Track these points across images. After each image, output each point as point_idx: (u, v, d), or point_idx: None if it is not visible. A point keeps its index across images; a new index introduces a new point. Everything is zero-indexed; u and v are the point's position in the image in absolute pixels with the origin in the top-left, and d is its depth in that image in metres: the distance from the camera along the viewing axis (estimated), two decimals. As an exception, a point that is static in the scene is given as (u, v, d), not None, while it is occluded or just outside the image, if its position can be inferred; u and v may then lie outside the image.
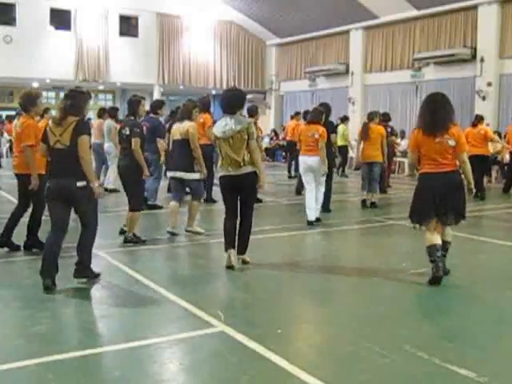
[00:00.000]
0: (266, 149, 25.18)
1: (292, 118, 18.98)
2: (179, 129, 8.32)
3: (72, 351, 4.15)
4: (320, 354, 4.36)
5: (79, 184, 5.67)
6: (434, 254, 5.91)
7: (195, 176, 8.22)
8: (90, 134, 5.82)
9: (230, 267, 6.52)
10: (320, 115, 9.69)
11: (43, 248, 7.13)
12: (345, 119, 19.12)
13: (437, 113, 6.00)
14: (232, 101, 6.64)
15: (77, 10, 24.35)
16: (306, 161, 9.57)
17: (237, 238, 6.70)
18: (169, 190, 13.03)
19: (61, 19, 24.38)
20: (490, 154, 15.58)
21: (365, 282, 6.24)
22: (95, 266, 6.41)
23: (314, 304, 5.61)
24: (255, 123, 11.72)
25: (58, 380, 3.75)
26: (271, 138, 25.68)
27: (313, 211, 9.36)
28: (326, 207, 10.39)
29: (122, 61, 25.25)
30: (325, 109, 10.19)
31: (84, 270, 5.95)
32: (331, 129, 10.58)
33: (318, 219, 9.48)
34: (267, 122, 28.28)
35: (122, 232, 8.03)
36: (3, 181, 13.98)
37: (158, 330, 4.65)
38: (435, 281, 5.90)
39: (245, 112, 12.11)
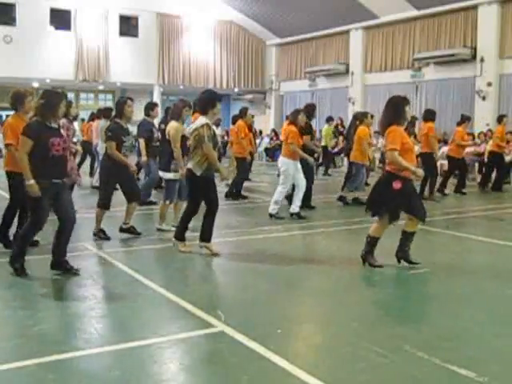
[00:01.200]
0: (266, 149, 25.20)
1: (287, 118, 19.02)
2: (167, 129, 8.58)
3: (72, 351, 4.15)
4: (320, 354, 4.36)
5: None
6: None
7: (168, 176, 8.40)
8: (28, 135, 5.85)
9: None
10: (296, 115, 10.03)
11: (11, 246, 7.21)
12: (329, 120, 19.31)
13: (381, 115, 6.54)
14: (200, 102, 7.10)
15: (77, 10, 24.39)
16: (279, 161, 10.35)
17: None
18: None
19: (61, 19, 24.40)
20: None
21: (364, 281, 6.24)
22: (95, 266, 6.43)
23: (314, 304, 5.61)
24: (239, 123, 12.11)
25: (58, 380, 3.75)
26: (271, 138, 25.67)
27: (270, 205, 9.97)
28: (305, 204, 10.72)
29: (122, 61, 25.27)
30: (306, 109, 10.47)
31: (10, 260, 6.11)
32: (308, 130, 10.79)
33: (273, 216, 9.77)
34: (267, 122, 28.30)
35: (122, 230, 8.19)
36: (3, 180, 13.97)
37: (158, 329, 4.65)
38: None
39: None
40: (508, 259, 7.46)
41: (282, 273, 6.53)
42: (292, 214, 9.84)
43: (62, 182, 6.05)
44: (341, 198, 11.82)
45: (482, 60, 19.05)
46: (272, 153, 24.87)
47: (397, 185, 6.19)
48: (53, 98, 5.99)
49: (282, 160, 10.02)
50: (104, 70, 25.09)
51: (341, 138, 21.08)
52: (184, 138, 8.16)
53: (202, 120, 6.95)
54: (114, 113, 14.01)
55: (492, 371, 3.87)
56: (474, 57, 19.38)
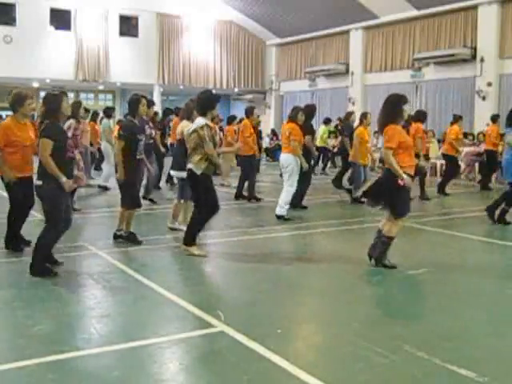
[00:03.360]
0: (266, 149, 25.20)
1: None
2: (178, 129, 8.59)
3: (72, 351, 4.15)
4: (320, 353, 4.36)
5: (37, 183, 6.10)
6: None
7: (184, 174, 8.30)
8: (51, 137, 5.92)
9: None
10: (296, 113, 9.97)
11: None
12: (328, 121, 19.45)
13: (379, 114, 6.54)
14: (200, 103, 7.16)
15: (77, 10, 24.37)
16: (280, 158, 10.11)
17: None
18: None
19: (61, 19, 24.39)
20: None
21: (364, 281, 6.24)
22: (95, 266, 6.42)
23: (314, 304, 5.61)
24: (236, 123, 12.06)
25: (58, 380, 3.75)
26: (271, 138, 25.68)
27: (278, 207, 9.80)
28: (295, 204, 10.57)
29: (122, 61, 25.26)
30: (306, 110, 10.46)
31: (31, 268, 6.08)
32: (308, 131, 10.66)
33: (281, 217, 9.64)
34: (267, 122, 28.29)
35: (116, 237, 7.92)
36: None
37: (158, 329, 4.65)
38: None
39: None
40: (507, 259, 7.47)
41: (282, 273, 6.53)
42: (278, 217, 9.66)
43: None
44: (355, 199, 11.74)
45: (481, 60, 19.03)
46: (272, 153, 24.87)
47: (402, 181, 6.19)
48: (52, 102, 6.09)
49: (284, 157, 9.83)
50: (104, 70, 25.08)
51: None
52: None
53: (200, 121, 6.98)
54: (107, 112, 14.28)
55: (492, 371, 3.87)
56: (473, 57, 19.36)
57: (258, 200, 12.04)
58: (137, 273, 6.29)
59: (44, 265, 6.11)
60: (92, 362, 4.09)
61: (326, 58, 25.54)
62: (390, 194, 6.31)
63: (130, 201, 7.74)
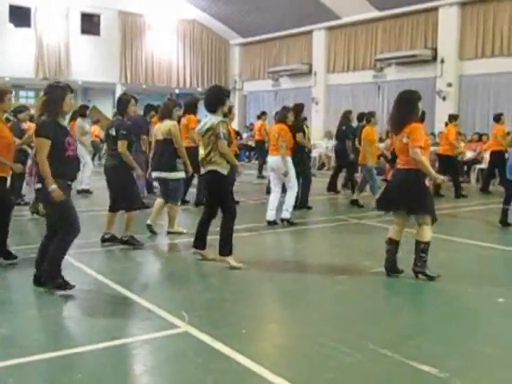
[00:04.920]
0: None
1: (259, 117, 19.09)
2: (160, 128, 8.27)
3: (34, 354, 4.08)
4: (285, 353, 4.36)
5: (36, 186, 5.51)
6: (386, 247, 6.32)
7: (178, 175, 8.18)
8: (47, 136, 5.34)
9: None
10: (286, 113, 9.62)
11: (10, 258, 6.70)
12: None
13: (394, 112, 6.26)
14: (209, 99, 6.65)
15: (37, 7, 23.97)
16: (269, 160, 9.60)
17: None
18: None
19: (21, 16, 23.94)
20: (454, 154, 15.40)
21: (330, 281, 6.25)
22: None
23: (279, 304, 5.62)
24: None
25: (18, 384, 3.68)
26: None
27: (272, 211, 9.31)
28: (302, 204, 10.66)
29: (84, 59, 24.93)
30: (296, 108, 10.37)
31: (45, 280, 5.56)
32: (298, 129, 10.47)
33: (286, 221, 9.26)
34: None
35: (105, 240, 7.75)
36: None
37: (122, 331, 4.60)
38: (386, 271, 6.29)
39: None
40: (470, 257, 7.58)
41: (248, 273, 6.51)
42: (283, 220, 9.28)
43: (70, 185, 5.66)
44: (353, 202, 11.59)
45: (442, 61, 19.34)
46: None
47: (429, 182, 6.15)
48: (55, 93, 5.49)
49: (274, 160, 9.27)
50: (65, 69, 24.71)
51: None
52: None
53: (216, 117, 6.50)
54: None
55: (453, 367, 3.93)
56: (434, 58, 19.67)
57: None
58: (100, 274, 6.21)
59: (59, 279, 5.53)
60: (54, 365, 4.02)
61: (290, 58, 25.63)
62: (417, 196, 6.03)
63: (133, 203, 7.57)
